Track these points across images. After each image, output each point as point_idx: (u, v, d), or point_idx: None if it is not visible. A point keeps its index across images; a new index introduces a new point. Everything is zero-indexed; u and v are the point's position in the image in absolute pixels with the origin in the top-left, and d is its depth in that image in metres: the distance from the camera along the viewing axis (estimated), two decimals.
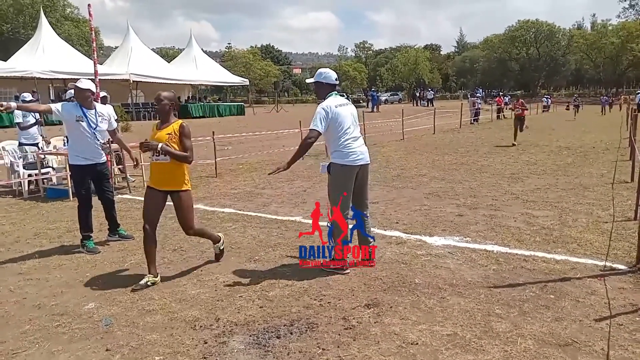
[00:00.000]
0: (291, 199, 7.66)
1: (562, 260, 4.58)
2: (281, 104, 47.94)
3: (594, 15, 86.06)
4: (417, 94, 53.66)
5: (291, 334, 3.29)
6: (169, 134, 4.29)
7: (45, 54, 26.87)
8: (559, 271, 4.31)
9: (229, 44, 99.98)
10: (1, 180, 9.40)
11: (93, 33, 8.69)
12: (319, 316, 3.55)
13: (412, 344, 3.11)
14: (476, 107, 26.49)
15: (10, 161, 8.76)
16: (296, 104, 63.99)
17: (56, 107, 5.25)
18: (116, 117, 9.86)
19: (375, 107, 40.58)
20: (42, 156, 8.63)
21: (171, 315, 3.63)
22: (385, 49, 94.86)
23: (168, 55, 55.55)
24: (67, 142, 6.19)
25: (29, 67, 24.96)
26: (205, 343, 3.20)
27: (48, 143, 9.24)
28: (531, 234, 5.46)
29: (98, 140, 5.38)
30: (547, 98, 42.33)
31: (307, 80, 5.09)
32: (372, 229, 4.76)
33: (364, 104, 46.69)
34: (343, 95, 4.77)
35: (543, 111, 37.56)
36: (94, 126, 5.33)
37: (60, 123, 6.06)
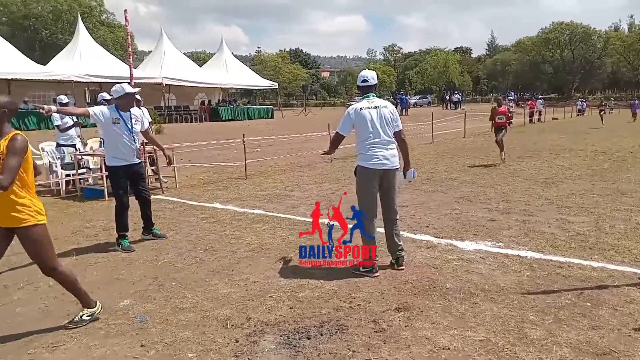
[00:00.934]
0: (320, 201, 7.67)
1: (598, 267, 4.45)
2: (309, 107, 48.10)
3: (631, 16, 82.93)
4: (447, 97, 53.04)
5: (321, 335, 3.30)
6: None
7: (82, 59, 27.76)
8: (596, 278, 4.19)
9: (258, 48, 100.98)
10: (40, 180, 9.74)
11: (129, 38, 8.93)
12: (349, 318, 3.54)
13: (443, 348, 3.08)
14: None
15: (49, 161, 9.07)
16: (324, 107, 64.12)
17: (94, 110, 5.35)
18: (150, 120, 10.16)
19: (404, 110, 40.31)
20: (79, 157, 8.90)
21: (203, 313, 3.70)
22: (414, 52, 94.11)
23: (199, 59, 56.41)
24: (103, 143, 6.33)
25: (66, 71, 25.84)
26: (237, 342, 3.24)
27: (85, 144, 9.53)
28: (566, 240, 5.32)
29: (135, 142, 5.50)
30: (582, 102, 41.21)
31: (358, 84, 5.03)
32: (401, 233, 4.73)
33: None
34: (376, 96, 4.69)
35: (577, 115, 36.59)
36: (130, 128, 5.44)
37: (94, 125, 6.15)
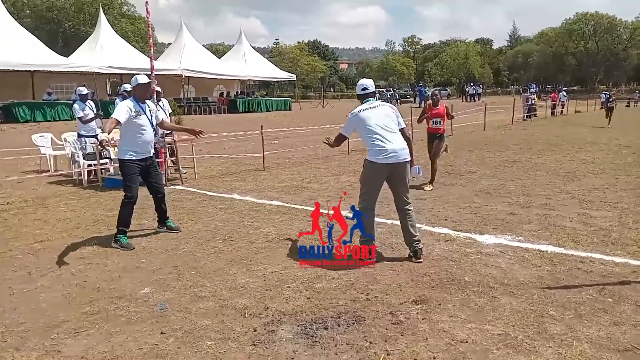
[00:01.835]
0: (338, 193, 7.67)
1: (621, 262, 4.37)
2: (327, 99, 47.99)
3: None
4: (467, 89, 52.31)
5: (338, 325, 3.32)
6: None
7: (104, 50, 28.05)
8: (618, 274, 4.12)
9: (277, 39, 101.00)
10: (63, 170, 9.93)
11: (150, 30, 9.00)
12: (366, 310, 3.55)
13: (461, 342, 3.07)
14: (529, 102, 25.56)
15: (72, 152, 9.24)
16: (342, 99, 63.86)
17: (119, 116, 5.15)
18: (170, 111, 10.25)
19: (423, 102, 39.92)
20: (101, 147, 9.04)
21: (222, 302, 3.74)
22: (434, 43, 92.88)
23: (218, 51, 56.62)
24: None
25: (88, 62, 26.14)
26: (255, 331, 3.27)
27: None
28: (588, 234, 5.23)
29: (156, 133, 5.46)
30: (606, 94, 40.28)
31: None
32: (417, 226, 4.71)
33: (412, 99, 46.05)
34: (376, 98, 4.95)
35: (601, 108, 35.78)
36: (151, 119, 5.42)
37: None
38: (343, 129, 4.83)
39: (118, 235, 5.26)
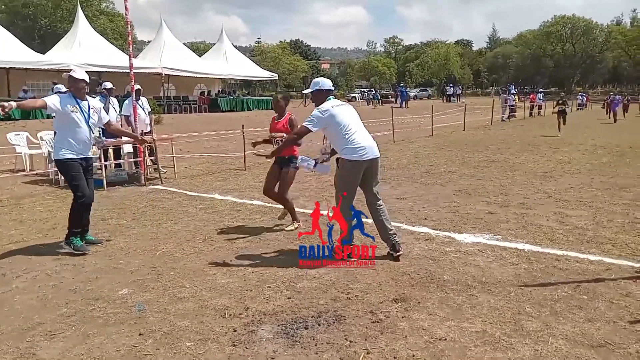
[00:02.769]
0: (318, 192, 7.69)
1: (596, 260, 4.47)
2: (309, 99, 47.94)
3: (634, 10, 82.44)
4: (449, 91, 52.77)
5: (319, 325, 3.32)
6: None
7: (82, 47, 27.57)
8: (593, 272, 4.21)
9: (258, 38, 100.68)
10: (39, 169, 9.74)
11: (129, 27, 8.88)
12: (347, 309, 3.56)
13: (440, 339, 3.10)
14: (509, 103, 25.97)
15: (48, 150, 9.06)
16: None
17: (52, 100, 4.93)
18: (150, 110, 10.14)
19: (404, 102, 40.22)
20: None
21: (201, 303, 3.71)
22: (415, 44, 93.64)
23: (199, 49, 56.05)
24: (55, 135, 5.69)
25: (65, 60, 25.66)
26: (235, 331, 3.25)
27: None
28: (564, 233, 5.34)
29: (92, 133, 5.16)
30: (582, 96, 41.20)
31: (305, 92, 5.17)
32: (393, 223, 4.74)
33: (393, 99, 46.33)
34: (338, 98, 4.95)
35: (578, 109, 36.58)
36: (87, 119, 5.06)
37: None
38: (311, 123, 4.49)
39: (70, 237, 4.98)
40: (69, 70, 5.36)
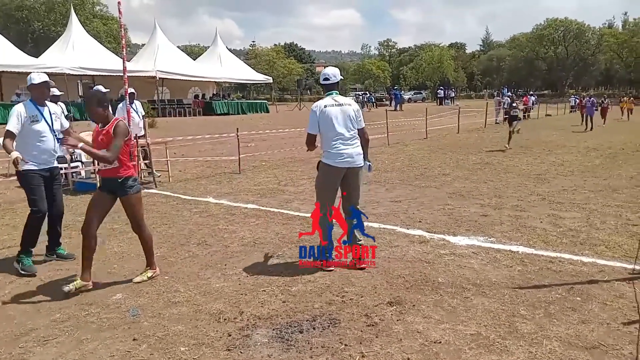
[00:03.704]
0: (313, 195, 7.66)
1: (589, 262, 4.49)
2: (304, 102, 47.97)
3: (625, 13, 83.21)
4: (441, 94, 52.95)
5: (314, 329, 3.32)
6: None
7: (75, 51, 27.47)
8: (586, 274, 4.23)
9: (253, 42, 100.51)
10: None
11: (123, 30, 8.85)
12: (341, 312, 3.56)
13: (435, 342, 3.10)
14: (502, 106, 26.07)
15: None
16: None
17: (13, 126, 4.42)
18: (143, 113, 10.11)
19: (398, 105, 40.33)
20: (72, 150, 8.84)
21: (196, 307, 3.70)
22: (409, 47, 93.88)
23: (193, 52, 56.07)
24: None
25: (59, 63, 25.54)
26: (229, 335, 3.24)
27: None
28: (558, 235, 5.36)
29: (57, 140, 4.72)
30: (574, 98, 41.45)
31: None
32: (387, 226, 4.76)
33: (387, 102, 46.44)
34: (339, 94, 4.65)
35: (570, 111, 36.79)
36: (51, 125, 4.66)
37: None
38: (309, 127, 4.49)
39: (21, 255, 4.58)
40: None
